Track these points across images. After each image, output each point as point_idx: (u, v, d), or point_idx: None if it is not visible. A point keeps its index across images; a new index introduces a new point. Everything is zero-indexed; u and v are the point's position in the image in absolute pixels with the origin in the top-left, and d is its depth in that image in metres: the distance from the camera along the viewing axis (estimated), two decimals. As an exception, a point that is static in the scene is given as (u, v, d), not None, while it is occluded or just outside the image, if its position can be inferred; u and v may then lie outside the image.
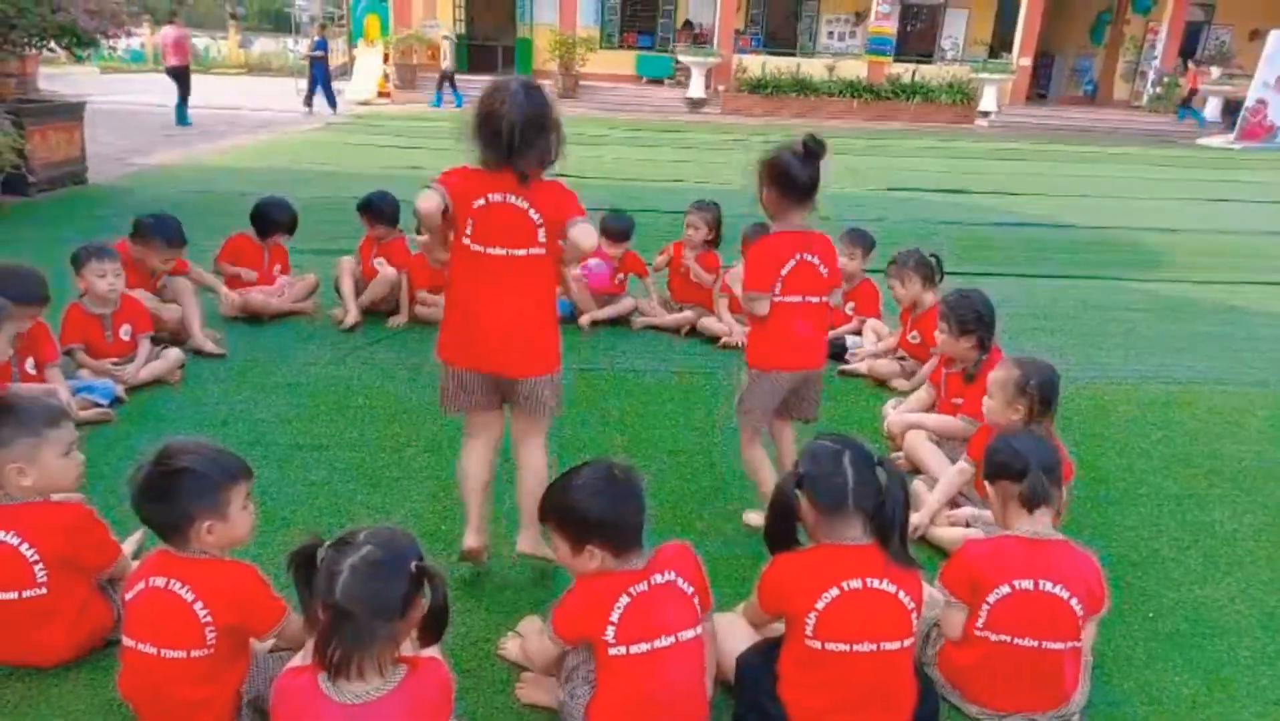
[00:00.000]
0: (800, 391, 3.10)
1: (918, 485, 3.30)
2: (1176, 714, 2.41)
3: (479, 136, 2.50)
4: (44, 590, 2.31)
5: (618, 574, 2.09)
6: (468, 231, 2.54)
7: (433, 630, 1.88)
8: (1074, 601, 2.20)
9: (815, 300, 2.97)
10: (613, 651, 2.02)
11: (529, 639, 2.34)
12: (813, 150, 2.83)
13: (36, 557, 2.30)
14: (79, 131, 9.43)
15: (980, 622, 2.25)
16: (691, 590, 2.14)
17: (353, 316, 5.15)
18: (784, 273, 2.90)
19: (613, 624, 2.02)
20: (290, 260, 5.60)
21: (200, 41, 33.41)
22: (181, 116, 15.68)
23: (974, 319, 3.58)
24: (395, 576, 1.77)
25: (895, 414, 3.95)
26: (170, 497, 2.06)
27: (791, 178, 2.85)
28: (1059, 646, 2.22)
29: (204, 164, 11.33)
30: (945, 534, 3.07)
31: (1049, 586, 2.20)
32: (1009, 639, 2.22)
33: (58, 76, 17.19)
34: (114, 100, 17.81)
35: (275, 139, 14.39)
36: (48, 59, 11.41)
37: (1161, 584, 3.01)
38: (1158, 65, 24.71)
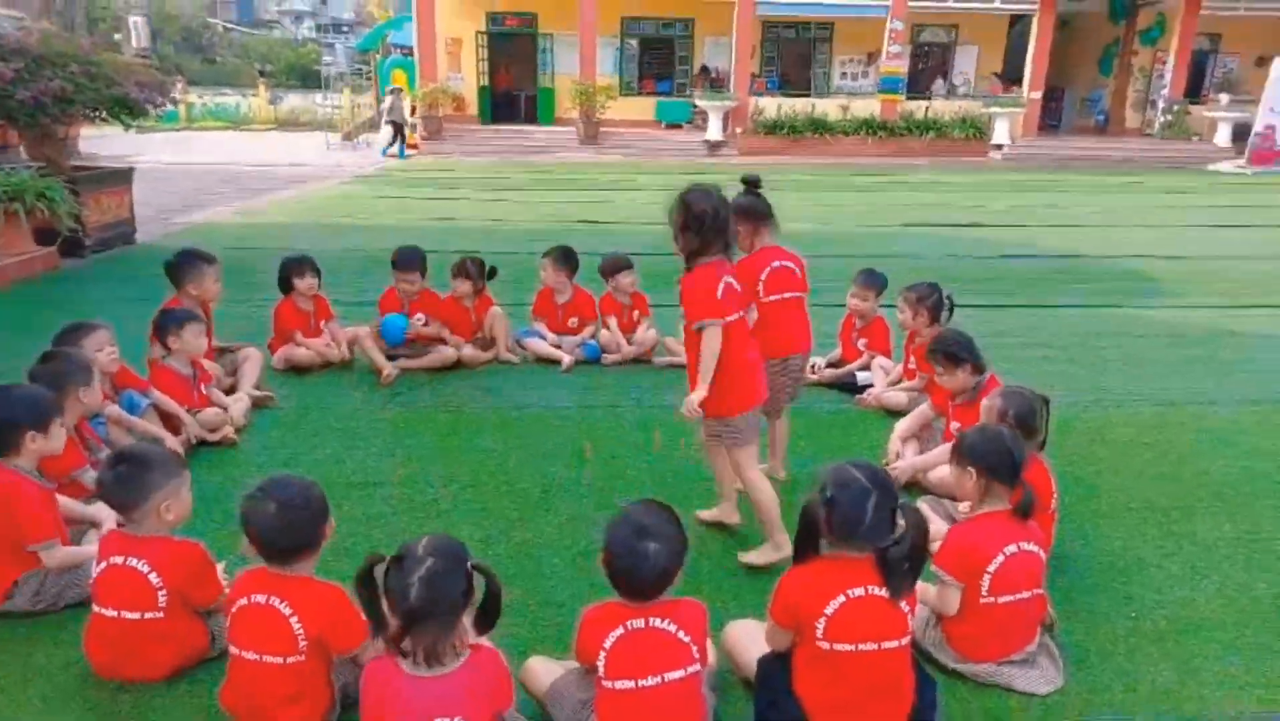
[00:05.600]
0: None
1: (923, 505, 3.57)
2: (1152, 698, 2.69)
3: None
4: (161, 614, 2.65)
5: (619, 606, 2.30)
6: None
7: (488, 618, 2.24)
8: (1041, 552, 2.73)
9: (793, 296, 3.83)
10: (604, 684, 2.24)
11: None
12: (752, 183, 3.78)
13: (160, 584, 2.63)
14: (128, 195, 9.94)
15: (985, 591, 2.66)
16: (689, 639, 2.28)
17: (388, 369, 5.38)
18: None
19: (605, 650, 2.23)
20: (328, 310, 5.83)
21: (229, 99, 34.69)
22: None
23: (957, 349, 3.88)
24: (456, 578, 2.13)
25: (903, 463, 4.11)
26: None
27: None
28: (1041, 591, 2.73)
29: (242, 221, 11.83)
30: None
31: (1028, 546, 2.70)
32: (1012, 597, 2.67)
33: (95, 138, 17.89)
34: (150, 160, 18.47)
35: (310, 192, 14.95)
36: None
37: (1145, 587, 3.28)
38: (1166, 94, 25.00)
